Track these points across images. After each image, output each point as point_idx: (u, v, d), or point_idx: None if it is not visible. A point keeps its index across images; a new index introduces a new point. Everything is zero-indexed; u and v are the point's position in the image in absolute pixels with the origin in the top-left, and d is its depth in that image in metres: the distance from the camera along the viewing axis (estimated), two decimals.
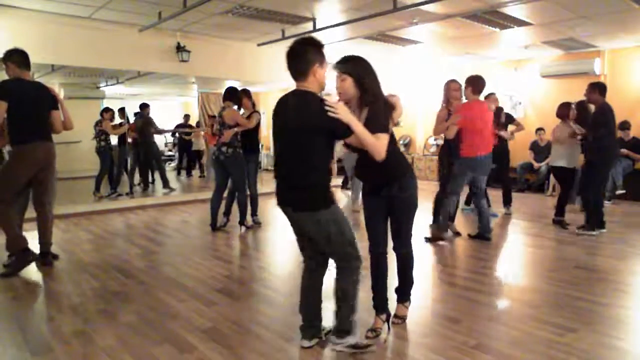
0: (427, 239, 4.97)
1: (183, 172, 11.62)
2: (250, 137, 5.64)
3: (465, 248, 4.85)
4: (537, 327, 2.86)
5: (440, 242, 4.92)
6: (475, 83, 4.75)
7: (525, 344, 2.64)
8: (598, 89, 5.20)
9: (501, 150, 6.41)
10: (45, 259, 4.18)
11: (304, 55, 2.34)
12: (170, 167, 12.57)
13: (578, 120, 5.58)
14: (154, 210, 7.06)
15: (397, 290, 2.92)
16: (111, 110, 7.91)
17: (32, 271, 4.07)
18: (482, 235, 4.98)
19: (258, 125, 5.65)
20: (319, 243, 2.47)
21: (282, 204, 2.50)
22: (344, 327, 2.50)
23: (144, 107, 8.92)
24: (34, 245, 4.39)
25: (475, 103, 4.76)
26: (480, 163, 4.73)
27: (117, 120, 8.30)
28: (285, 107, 2.44)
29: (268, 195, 8.30)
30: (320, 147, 2.35)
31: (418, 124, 10.96)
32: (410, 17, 6.23)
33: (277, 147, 2.55)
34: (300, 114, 2.33)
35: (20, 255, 3.93)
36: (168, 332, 2.82)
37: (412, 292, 2.95)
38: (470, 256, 4.60)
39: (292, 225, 2.58)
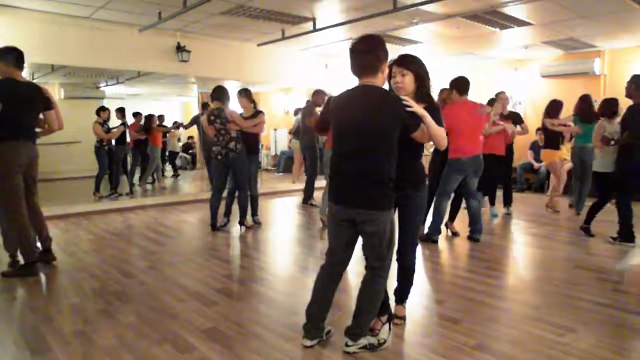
0: (419, 238, 4.99)
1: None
2: (252, 137, 5.64)
3: (466, 248, 4.85)
4: (537, 327, 2.86)
5: (432, 242, 4.92)
6: (459, 84, 4.77)
7: (525, 344, 2.64)
8: (635, 82, 4.76)
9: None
10: (49, 255, 4.20)
11: (377, 52, 2.35)
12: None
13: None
14: (154, 210, 7.06)
15: (396, 292, 2.92)
16: (107, 109, 7.82)
17: None
18: (472, 237, 4.99)
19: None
20: (372, 244, 2.46)
21: (346, 203, 2.44)
22: (362, 330, 2.52)
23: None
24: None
25: (461, 104, 4.75)
26: (466, 164, 4.73)
27: (116, 120, 8.26)
28: (356, 102, 2.43)
29: (268, 196, 8.31)
30: (396, 142, 2.37)
31: None
32: (410, 17, 6.24)
33: (342, 143, 2.47)
34: (381, 109, 2.35)
35: (27, 266, 3.92)
36: (168, 332, 2.82)
37: (411, 291, 2.96)
38: (470, 256, 4.60)
39: (338, 227, 2.52)
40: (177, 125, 10.61)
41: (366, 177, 2.37)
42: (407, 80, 2.56)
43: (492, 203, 6.53)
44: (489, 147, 5.91)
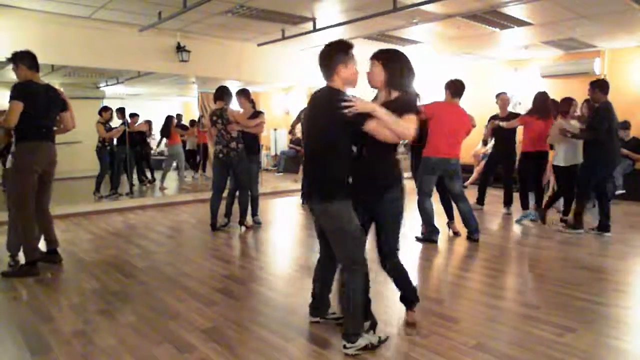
0: (418, 239, 5.00)
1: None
2: (251, 137, 5.64)
3: (465, 248, 4.85)
4: (537, 327, 2.86)
5: (432, 242, 4.91)
6: (452, 87, 4.82)
7: (525, 344, 2.64)
8: (598, 87, 5.08)
9: (505, 151, 6.41)
10: (55, 257, 4.23)
11: (328, 57, 2.50)
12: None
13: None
14: (154, 210, 7.06)
15: (402, 299, 2.91)
16: (110, 109, 7.87)
17: None
18: (470, 237, 4.98)
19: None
20: (333, 241, 2.57)
21: (307, 199, 2.61)
22: (350, 330, 2.53)
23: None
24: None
25: (450, 106, 4.80)
26: (435, 164, 4.73)
27: (117, 120, 8.26)
28: (310, 104, 2.61)
29: (268, 196, 8.31)
30: (344, 141, 2.47)
31: None
32: (410, 17, 6.24)
33: (304, 143, 2.68)
34: (324, 111, 2.47)
35: (27, 266, 3.94)
36: (168, 332, 2.82)
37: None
38: (470, 256, 4.61)
39: (315, 222, 2.71)
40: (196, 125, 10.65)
41: (319, 175, 2.50)
42: (376, 71, 2.61)
43: (523, 206, 6.08)
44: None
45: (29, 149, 3.91)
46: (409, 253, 4.69)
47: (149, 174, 9.97)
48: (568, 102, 5.55)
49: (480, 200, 6.74)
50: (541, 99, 5.86)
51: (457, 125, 4.74)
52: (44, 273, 4.00)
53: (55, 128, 4.22)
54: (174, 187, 9.72)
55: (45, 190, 4.13)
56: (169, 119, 9.56)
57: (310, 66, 9.01)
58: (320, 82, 2.57)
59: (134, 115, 9.09)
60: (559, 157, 5.49)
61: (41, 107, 3.92)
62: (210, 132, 5.38)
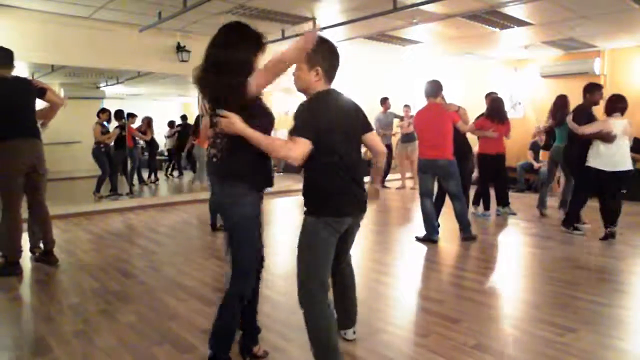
0: (418, 239, 5.00)
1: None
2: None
3: (465, 248, 4.85)
4: (537, 327, 2.86)
5: (432, 242, 4.91)
6: (425, 88, 4.95)
7: (525, 344, 2.64)
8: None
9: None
10: (51, 258, 4.18)
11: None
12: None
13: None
14: (154, 210, 7.06)
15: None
16: (107, 111, 7.88)
17: (32, 271, 4.08)
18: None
19: None
20: None
21: None
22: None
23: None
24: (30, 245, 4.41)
25: (427, 107, 4.92)
26: (425, 166, 4.87)
27: (115, 122, 8.26)
28: None
29: (268, 195, 8.31)
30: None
31: None
32: (410, 17, 6.24)
33: None
34: None
35: (10, 265, 3.91)
36: (168, 332, 2.82)
37: (411, 291, 2.95)
38: (470, 256, 4.60)
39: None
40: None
41: None
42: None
43: (476, 203, 6.36)
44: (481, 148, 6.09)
45: (9, 148, 3.79)
46: (409, 253, 4.69)
47: (152, 175, 10.03)
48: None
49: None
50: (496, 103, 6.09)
51: (434, 124, 4.78)
52: (43, 273, 4.00)
53: (41, 121, 4.10)
54: (176, 187, 9.73)
55: (37, 188, 4.01)
56: (199, 118, 9.55)
57: None
58: None
59: (131, 115, 9.10)
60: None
61: (14, 103, 3.79)
62: (205, 134, 5.37)
